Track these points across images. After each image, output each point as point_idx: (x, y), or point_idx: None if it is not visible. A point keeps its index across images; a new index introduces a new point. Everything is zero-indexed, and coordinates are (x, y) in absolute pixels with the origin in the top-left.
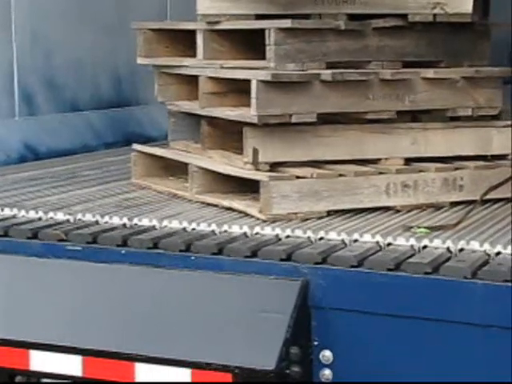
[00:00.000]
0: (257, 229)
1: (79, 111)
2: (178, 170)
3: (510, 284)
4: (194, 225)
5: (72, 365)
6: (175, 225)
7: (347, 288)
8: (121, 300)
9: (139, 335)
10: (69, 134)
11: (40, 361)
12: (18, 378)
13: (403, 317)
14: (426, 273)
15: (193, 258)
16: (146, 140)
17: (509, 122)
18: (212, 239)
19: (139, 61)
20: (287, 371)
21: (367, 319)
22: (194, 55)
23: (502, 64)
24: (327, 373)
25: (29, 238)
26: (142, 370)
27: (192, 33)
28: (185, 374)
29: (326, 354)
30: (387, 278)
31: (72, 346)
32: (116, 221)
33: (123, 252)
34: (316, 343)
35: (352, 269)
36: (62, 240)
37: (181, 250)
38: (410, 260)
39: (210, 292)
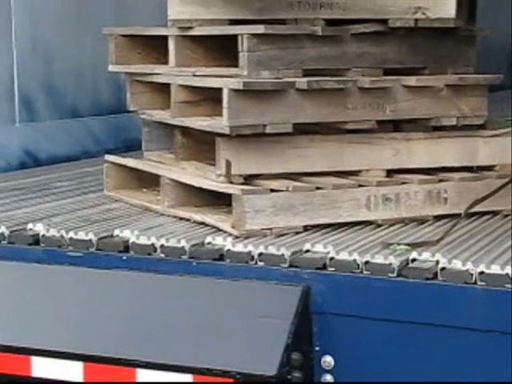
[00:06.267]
0: (228, 246)
1: (79, 117)
2: (151, 181)
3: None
4: (162, 241)
5: (73, 371)
6: (143, 241)
7: (348, 293)
8: (122, 306)
9: (140, 341)
10: (69, 140)
11: (41, 367)
12: None
13: (404, 322)
14: (427, 278)
15: (194, 263)
16: None
17: (495, 132)
18: (213, 245)
19: (110, 68)
20: (288, 377)
21: (368, 325)
22: (167, 62)
23: (501, 72)
24: (328, 378)
25: (30, 245)
26: (143, 376)
27: (165, 39)
28: (186, 379)
29: (327, 360)
30: (388, 283)
31: (73, 352)
32: (81, 236)
33: (124, 258)
34: (317, 349)
35: (353, 274)
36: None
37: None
38: (412, 265)
39: (211, 298)
